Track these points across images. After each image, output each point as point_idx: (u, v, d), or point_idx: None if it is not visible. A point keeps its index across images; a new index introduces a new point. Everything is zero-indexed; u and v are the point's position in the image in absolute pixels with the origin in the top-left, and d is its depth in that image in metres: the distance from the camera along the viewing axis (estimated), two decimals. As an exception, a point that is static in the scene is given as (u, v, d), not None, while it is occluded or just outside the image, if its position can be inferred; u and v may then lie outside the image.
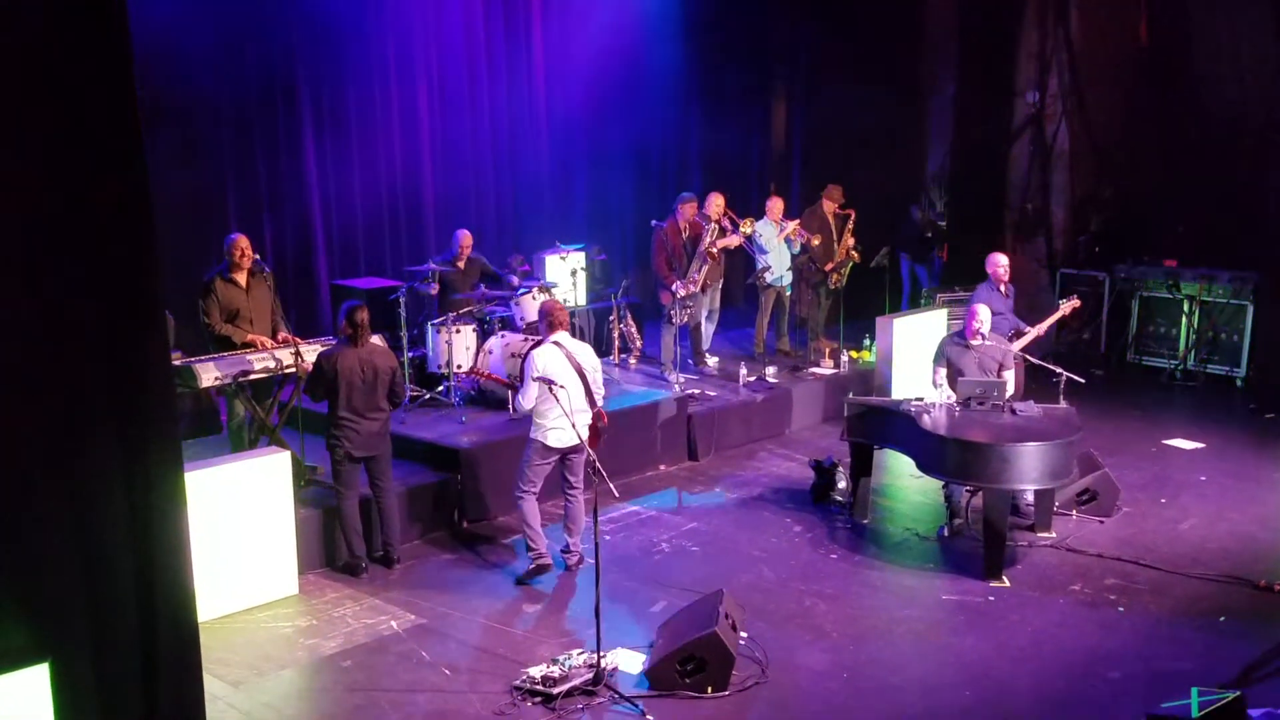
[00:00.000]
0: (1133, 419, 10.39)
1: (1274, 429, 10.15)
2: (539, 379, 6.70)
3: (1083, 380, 8.56)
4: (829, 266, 10.85)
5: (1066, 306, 9.13)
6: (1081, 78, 12.80)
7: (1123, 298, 12.19)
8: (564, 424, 6.66)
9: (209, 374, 7.11)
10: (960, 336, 7.92)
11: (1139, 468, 8.96)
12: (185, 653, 3.64)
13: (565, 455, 6.98)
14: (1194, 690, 4.99)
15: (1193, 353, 11.69)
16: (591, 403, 6.98)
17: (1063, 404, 7.78)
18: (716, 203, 10.17)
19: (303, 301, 10.31)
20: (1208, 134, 11.84)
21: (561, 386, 6.61)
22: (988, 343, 7.83)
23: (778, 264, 10.74)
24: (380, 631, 6.38)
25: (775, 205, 10.81)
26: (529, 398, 6.81)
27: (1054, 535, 7.62)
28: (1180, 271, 11.85)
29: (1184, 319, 11.73)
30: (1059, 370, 8.01)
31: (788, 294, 10.99)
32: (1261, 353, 11.14)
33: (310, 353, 7.50)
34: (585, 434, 6.69)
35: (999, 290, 8.99)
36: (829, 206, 10.95)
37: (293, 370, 7.43)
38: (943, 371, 7.90)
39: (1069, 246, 13.06)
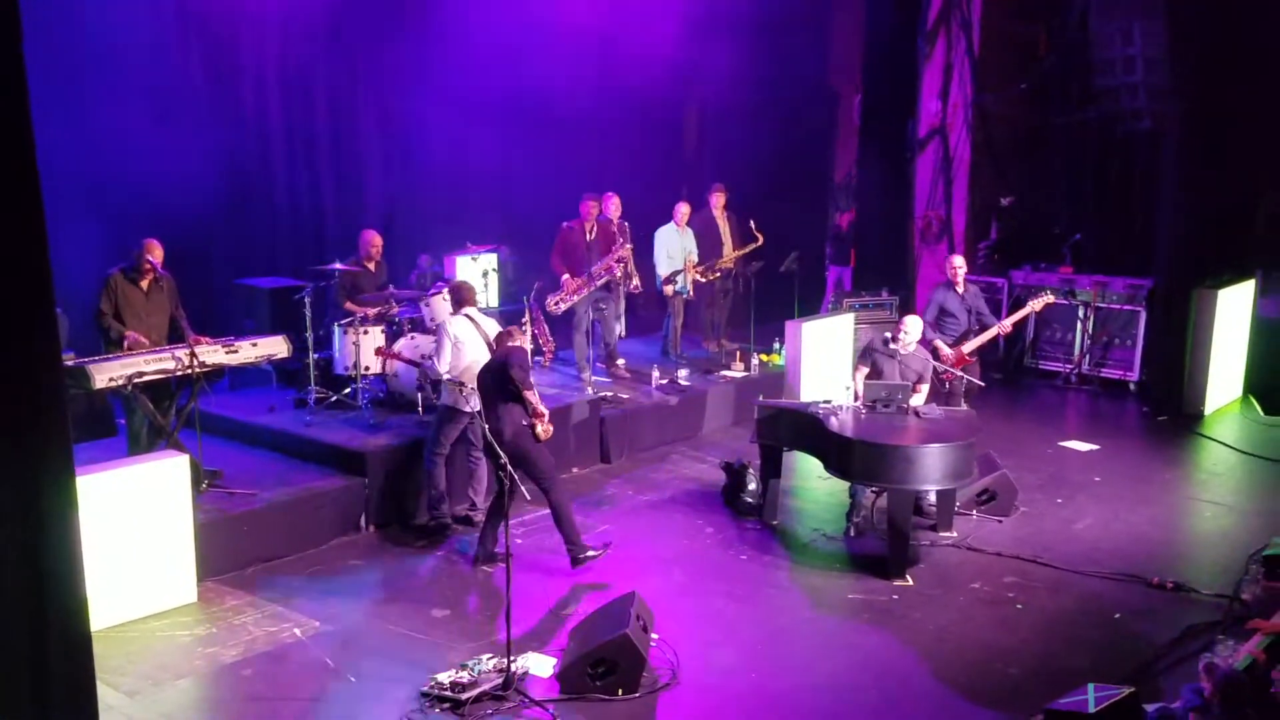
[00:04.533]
0: (1030, 421, 10.70)
1: (1166, 431, 10.54)
2: (452, 341, 7.48)
3: (982, 384, 8.79)
4: (717, 268, 10.89)
5: (1038, 303, 9.38)
6: (982, 88, 13.15)
7: (1020, 304, 12.52)
8: (473, 389, 7.29)
9: (103, 375, 6.88)
10: (889, 342, 8.08)
11: (1036, 469, 9.21)
12: (78, 662, 3.52)
13: (472, 420, 7.54)
14: (1090, 686, 5.14)
15: (1088, 357, 12.08)
16: None
17: (964, 407, 7.97)
18: (614, 204, 10.19)
19: (201, 300, 10.02)
20: (1102, 144, 12.26)
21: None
22: (913, 353, 8.00)
23: (681, 270, 10.78)
24: (283, 639, 6.23)
25: (681, 210, 10.87)
26: (444, 361, 7.53)
27: (955, 534, 7.80)
28: (1076, 278, 12.24)
29: (1079, 325, 12.11)
30: (961, 374, 8.21)
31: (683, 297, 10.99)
32: (1153, 357, 11.55)
33: (212, 353, 7.33)
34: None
35: (955, 290, 9.21)
36: (716, 205, 11.02)
37: (190, 372, 7.24)
38: (864, 372, 8.04)
39: (970, 254, 13.39)
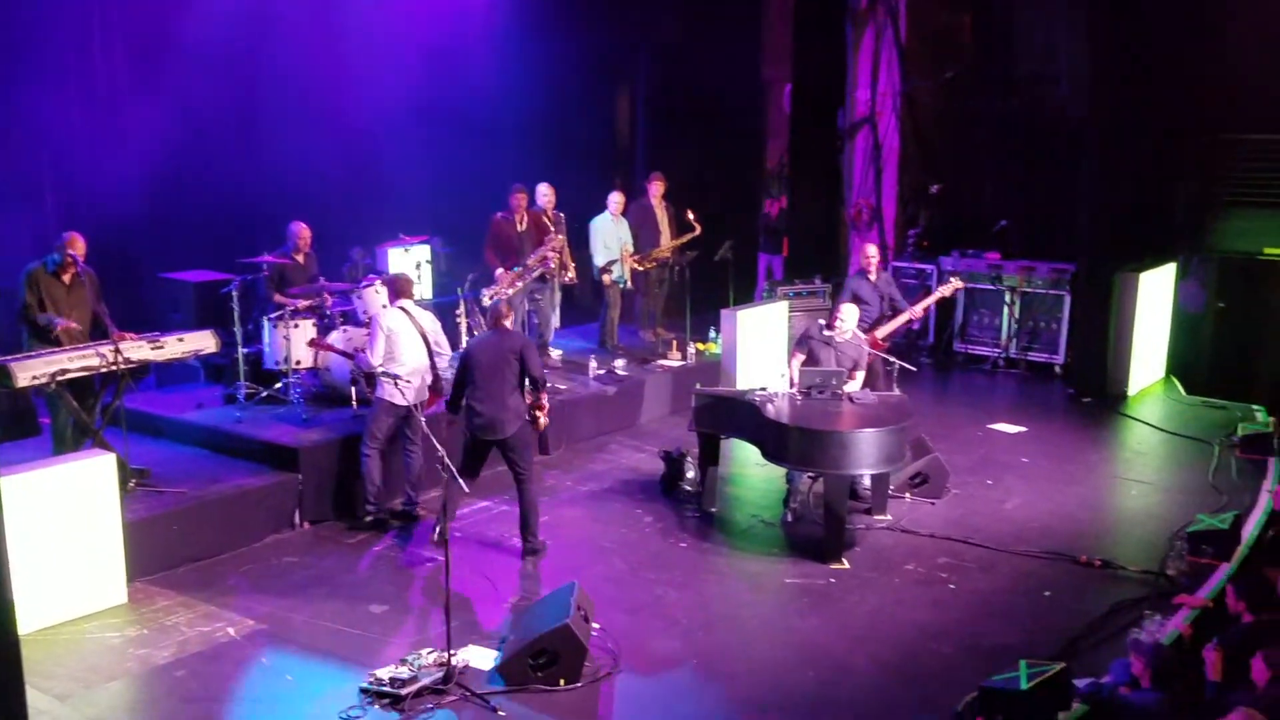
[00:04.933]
0: (960, 405, 10.89)
1: (1090, 412, 10.80)
2: (385, 334, 7.43)
3: (914, 369, 8.93)
4: (654, 258, 10.91)
5: (947, 288, 9.54)
6: (909, 77, 13.33)
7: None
8: (407, 381, 7.40)
9: (26, 373, 6.70)
10: (825, 329, 8.17)
11: (967, 451, 9.38)
12: (5, 666, 3.44)
13: (406, 413, 7.55)
14: (1022, 663, 5.26)
15: (1014, 341, 12.32)
16: (433, 364, 7.68)
17: (896, 392, 8.09)
18: (547, 194, 10.14)
19: (125, 295, 9.77)
20: (1028, 132, 12.49)
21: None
22: (849, 340, 8.10)
23: (617, 260, 10.77)
24: (216, 639, 6.13)
25: (616, 200, 10.86)
26: (377, 354, 7.46)
27: (889, 517, 7.92)
28: (1003, 264, 12.47)
29: (1006, 309, 12.35)
30: (892, 360, 8.34)
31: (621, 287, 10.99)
32: (1078, 340, 11.81)
33: (135, 349, 7.17)
34: (426, 394, 7.60)
35: (868, 279, 9.34)
36: (655, 194, 11.04)
37: (115, 369, 7.07)
38: (800, 359, 8.12)
39: (900, 240, 13.59)
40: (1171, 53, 11.04)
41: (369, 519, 7.69)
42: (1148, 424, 10.38)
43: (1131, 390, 11.22)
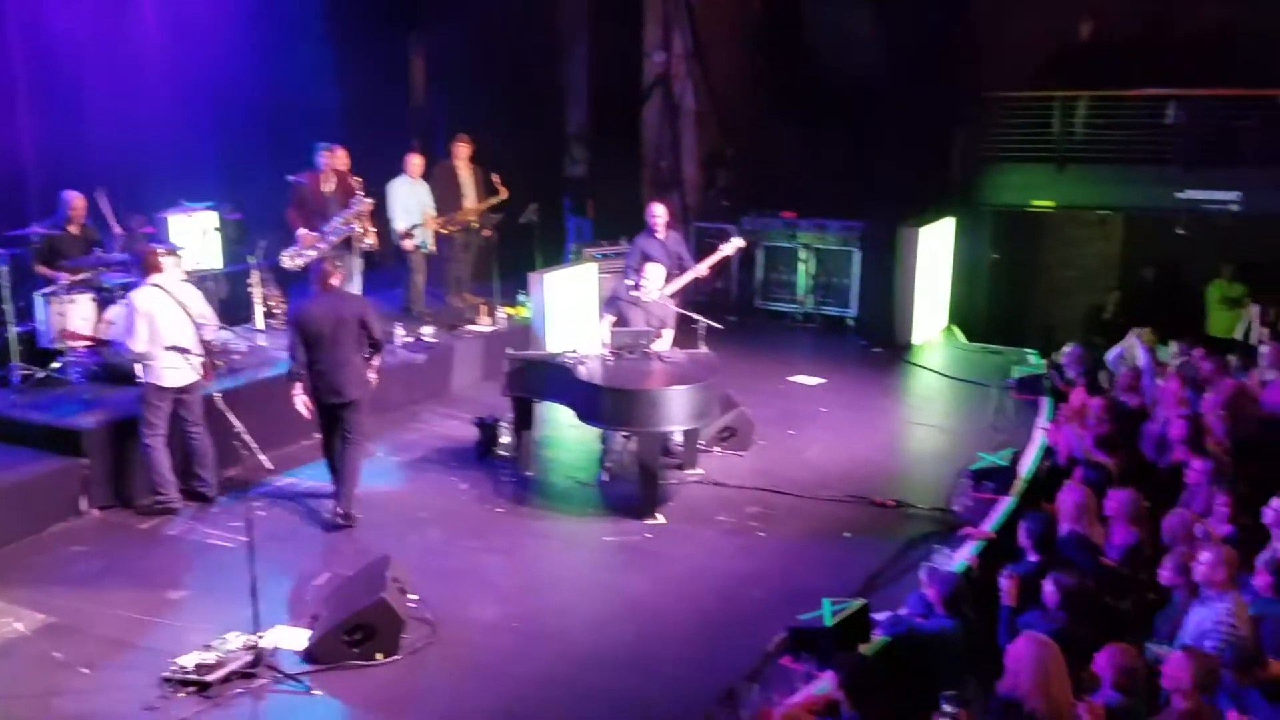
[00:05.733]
0: (763, 360, 11.24)
1: (881, 361, 11.38)
2: (143, 316, 6.97)
3: (720, 326, 9.16)
4: (458, 221, 10.75)
5: (729, 247, 9.75)
6: (702, 40, 13.53)
7: (749, 248, 13.10)
8: (174, 363, 6.92)
9: None
10: (632, 290, 8.24)
11: (770, 404, 9.69)
12: None
13: (179, 395, 7.15)
14: (826, 601, 5.53)
15: (810, 297, 12.80)
16: (200, 341, 7.21)
17: (703, 349, 8.28)
18: (340, 157, 9.80)
19: None
20: (816, 95, 12.93)
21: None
22: (656, 299, 8.19)
23: (420, 224, 10.54)
24: (4, 635, 5.74)
25: (414, 162, 10.60)
26: (138, 341, 7.02)
27: (701, 471, 8.13)
28: (797, 223, 12.92)
29: (801, 266, 12.81)
30: (699, 318, 8.53)
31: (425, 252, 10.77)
32: (867, 294, 12.39)
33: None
34: (199, 372, 7.06)
35: (656, 238, 9.45)
36: (460, 156, 10.86)
37: None
38: (609, 320, 8.17)
39: (700, 201, 13.85)
40: (948, 15, 11.65)
41: (158, 506, 7.28)
42: (933, 371, 11.03)
43: (916, 339, 11.88)
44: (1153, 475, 7.38)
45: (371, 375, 7.25)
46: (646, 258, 9.17)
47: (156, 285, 7.12)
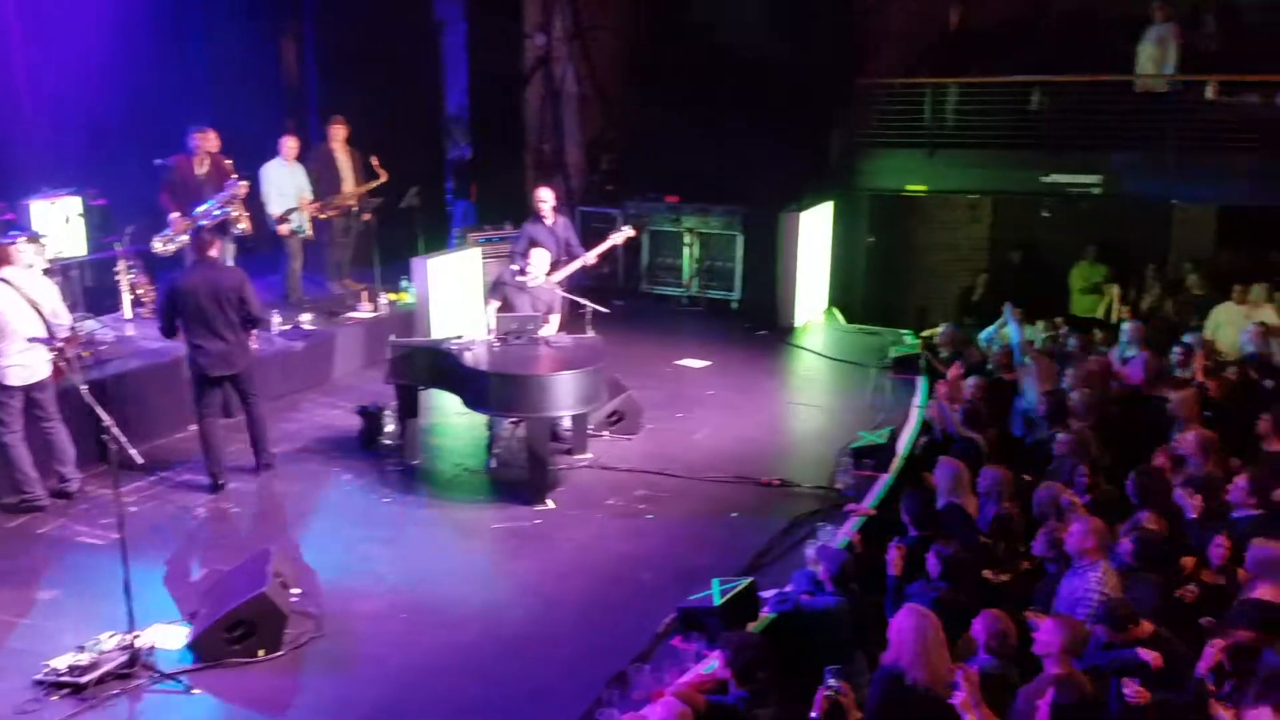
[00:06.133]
0: (650, 343, 11.30)
1: (765, 343, 11.55)
2: None
3: (606, 311, 9.18)
4: (336, 205, 10.51)
5: (619, 236, 9.73)
6: (584, 22, 13.47)
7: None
8: (22, 360, 6.72)
9: None
10: (518, 275, 8.16)
11: (658, 387, 9.75)
12: None
13: (30, 392, 6.88)
14: (714, 581, 5.61)
15: (695, 280, 12.92)
16: (52, 337, 6.87)
17: (590, 333, 8.29)
18: (212, 139, 9.48)
19: None
20: (699, 79, 13.03)
21: None
22: (543, 285, 8.14)
23: (296, 209, 10.26)
24: None
25: (289, 144, 10.31)
26: None
27: (591, 456, 8.14)
28: (681, 207, 13.01)
29: (686, 250, 12.91)
30: (586, 302, 8.52)
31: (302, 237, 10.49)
32: (750, 277, 12.56)
33: None
34: (49, 369, 6.85)
35: (544, 224, 9.38)
36: (336, 139, 10.61)
37: None
38: (495, 305, 8.09)
39: (584, 185, 13.82)
40: (829, 2, 11.85)
41: (22, 505, 6.94)
42: (814, 352, 11.25)
43: (798, 322, 12.10)
44: (1023, 450, 7.70)
45: (252, 347, 7.49)
46: (535, 243, 9.10)
47: (4, 280, 6.76)
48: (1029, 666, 4.66)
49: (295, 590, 5.87)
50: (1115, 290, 12.74)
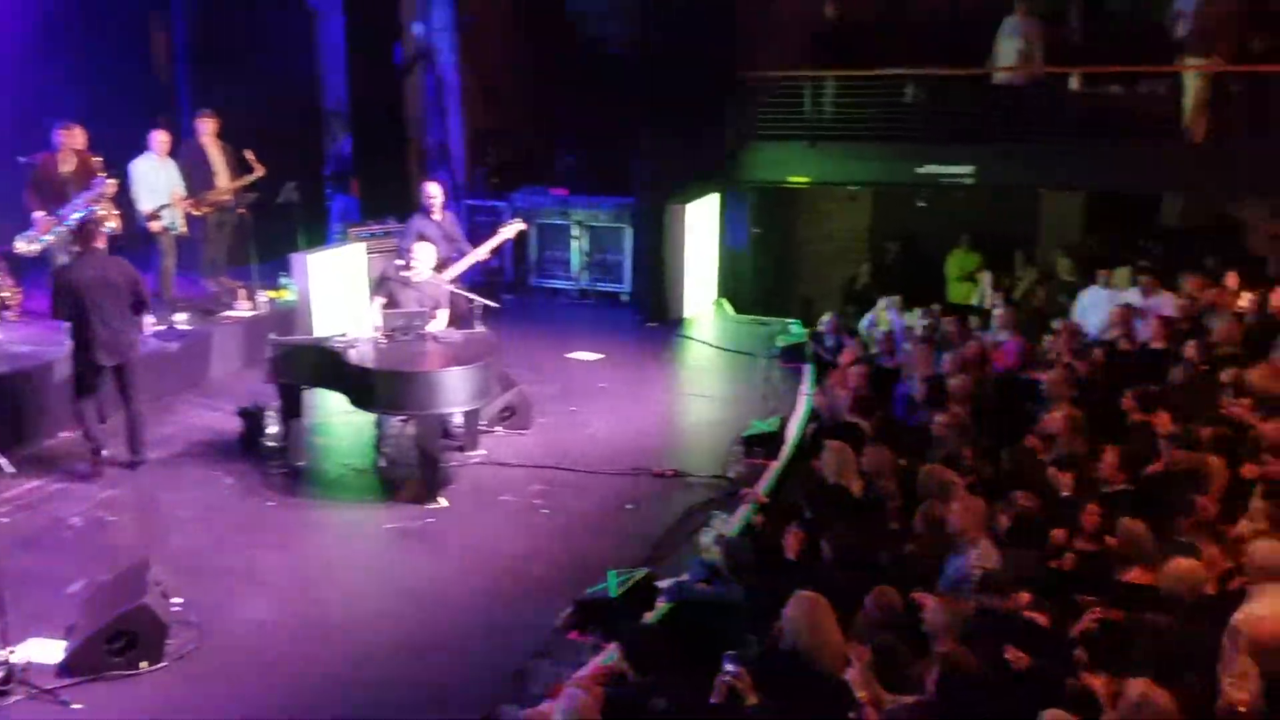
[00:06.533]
0: (540, 337, 11.23)
1: (656, 336, 11.60)
2: None
3: (496, 305, 9.10)
4: (210, 201, 10.18)
5: (510, 230, 9.63)
6: (464, 12, 13.31)
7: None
8: None
9: None
10: (403, 270, 8.02)
11: (550, 381, 9.71)
12: None
13: None
14: (611, 573, 5.63)
15: (585, 273, 12.90)
16: None
17: (480, 328, 8.21)
18: (78, 136, 9.10)
19: None
20: (585, 71, 13.00)
21: None
22: (429, 280, 8.01)
23: (168, 205, 9.90)
24: None
25: (160, 139, 9.94)
26: None
27: (484, 452, 8.06)
28: (570, 200, 12.97)
29: (575, 243, 12.88)
30: (474, 297, 8.43)
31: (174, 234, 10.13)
32: (640, 269, 12.60)
33: None
34: None
35: (432, 219, 9.23)
36: (206, 133, 10.28)
37: None
38: (380, 302, 7.93)
39: (470, 178, 13.67)
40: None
41: None
42: (704, 343, 11.36)
43: (687, 313, 12.19)
44: (905, 432, 7.91)
45: (139, 337, 7.60)
46: (423, 239, 8.97)
47: None
48: (919, 643, 4.79)
49: (177, 600, 5.68)
50: (987, 277, 13.15)
